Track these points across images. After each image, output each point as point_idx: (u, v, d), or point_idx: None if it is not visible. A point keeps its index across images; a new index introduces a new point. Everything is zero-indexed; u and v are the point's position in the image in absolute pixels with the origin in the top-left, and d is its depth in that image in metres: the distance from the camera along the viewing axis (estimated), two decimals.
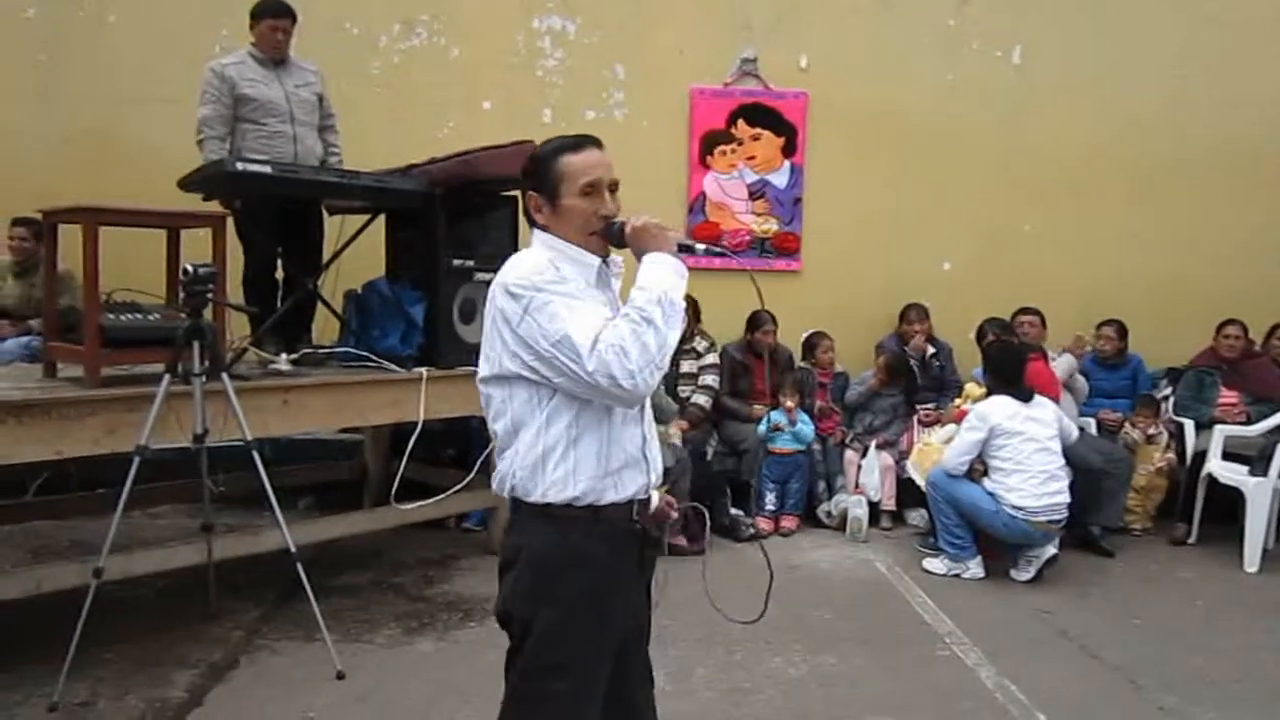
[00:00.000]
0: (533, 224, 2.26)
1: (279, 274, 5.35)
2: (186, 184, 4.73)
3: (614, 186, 2.23)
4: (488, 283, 5.21)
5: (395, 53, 6.87)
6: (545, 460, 2.12)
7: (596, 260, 2.23)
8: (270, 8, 5.17)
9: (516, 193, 5.34)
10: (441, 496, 5.10)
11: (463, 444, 5.97)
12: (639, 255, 2.19)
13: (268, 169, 4.57)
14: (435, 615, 4.55)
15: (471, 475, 5.21)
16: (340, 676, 3.84)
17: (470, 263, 5.13)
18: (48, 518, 5.27)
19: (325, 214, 5.45)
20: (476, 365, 5.31)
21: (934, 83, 7.06)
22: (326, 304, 5.35)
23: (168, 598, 4.57)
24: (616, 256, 2.29)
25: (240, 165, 4.47)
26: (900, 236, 7.07)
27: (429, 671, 3.97)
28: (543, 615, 2.15)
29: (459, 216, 5.10)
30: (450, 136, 6.33)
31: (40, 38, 6.74)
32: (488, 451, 5.30)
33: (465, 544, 5.68)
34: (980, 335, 6.50)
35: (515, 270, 2.12)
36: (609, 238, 2.23)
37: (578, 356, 2.00)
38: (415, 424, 4.91)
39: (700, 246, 2.27)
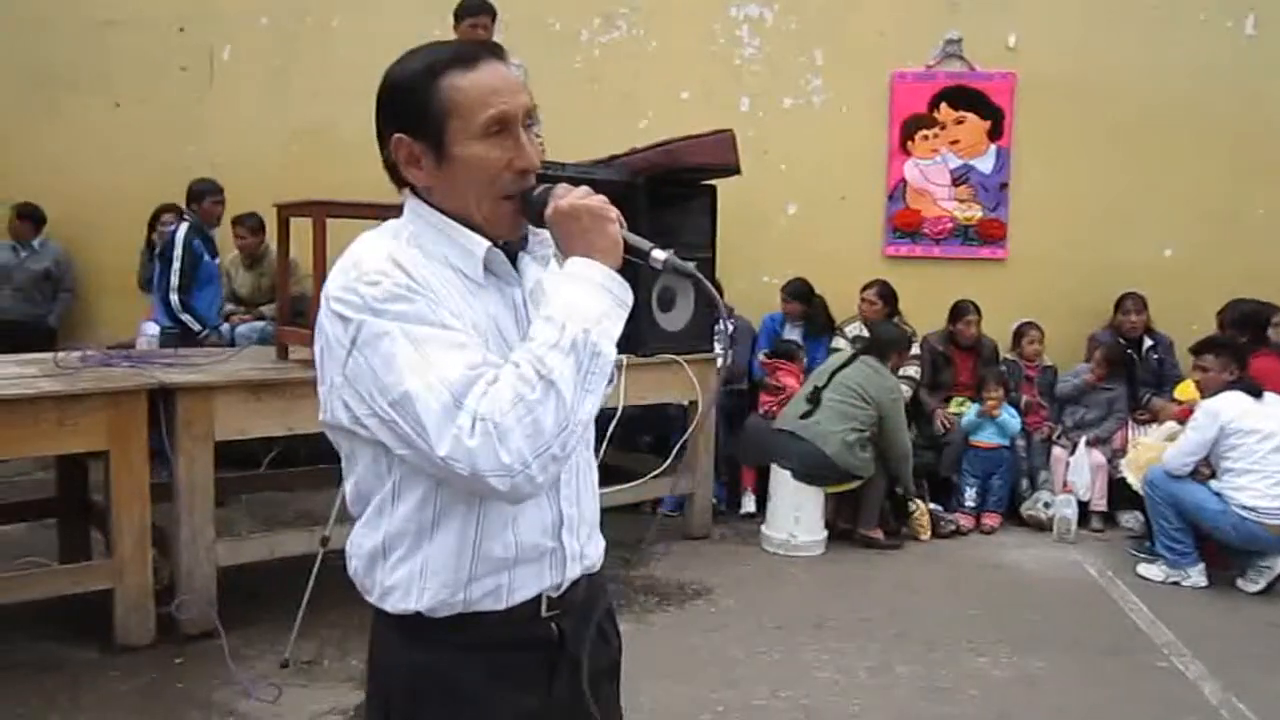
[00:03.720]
0: (400, 183, 1.48)
1: None
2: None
3: (529, 117, 1.42)
4: (688, 271, 5.30)
5: (595, 46, 7.01)
6: (386, 552, 1.42)
7: (483, 245, 1.43)
8: (470, 8, 5.37)
9: (716, 182, 5.41)
10: (640, 481, 5.19)
11: (660, 430, 6.05)
12: (564, 252, 1.43)
13: None
14: (633, 598, 4.64)
15: (668, 461, 5.29)
16: None
17: (669, 251, 5.17)
18: (278, 489, 5.69)
19: None
20: (675, 353, 5.40)
21: (1154, 58, 6.62)
22: None
23: None
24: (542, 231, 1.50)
25: None
26: (1115, 222, 6.67)
27: (628, 651, 4.01)
28: None
29: (659, 205, 5.16)
30: (649, 128, 6.40)
31: (273, 43, 7.27)
32: (685, 437, 5.39)
33: (661, 528, 5.76)
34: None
35: (343, 272, 1.36)
36: (526, 209, 1.44)
37: (422, 430, 1.27)
38: (613, 410, 5.01)
39: (660, 254, 1.43)
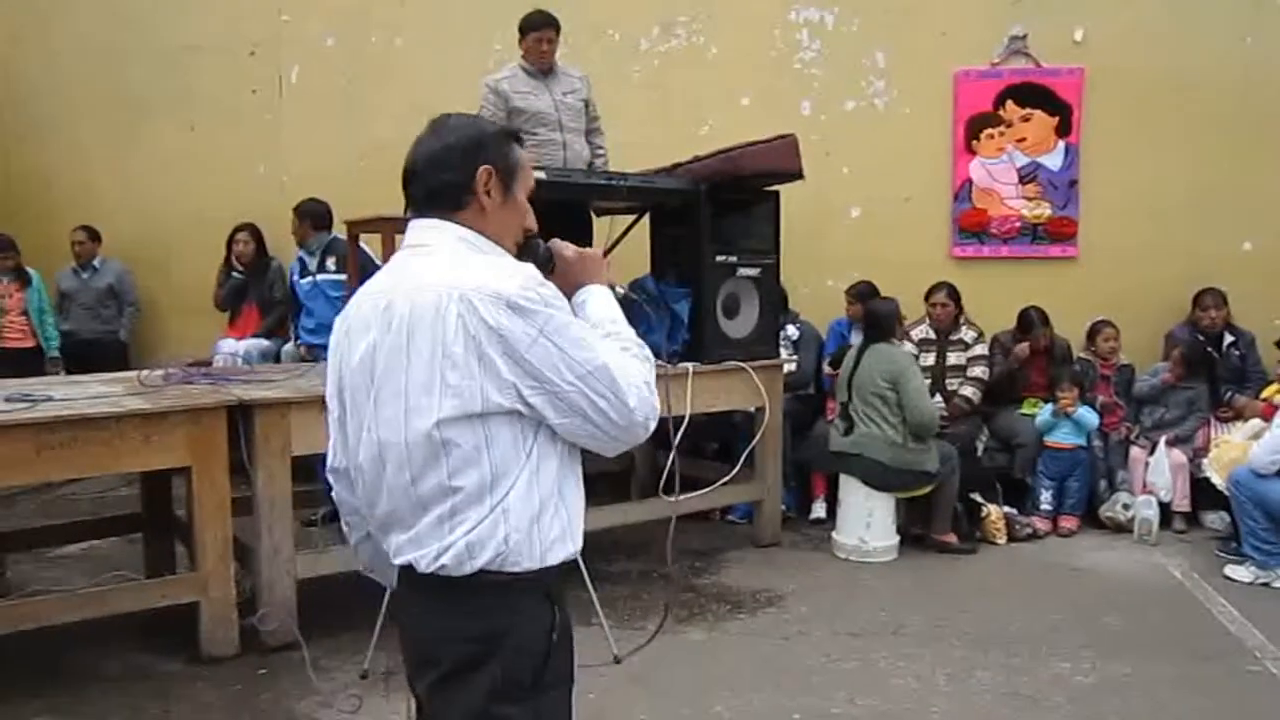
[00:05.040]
0: (446, 212, 1.80)
1: None
2: None
3: None
4: (752, 278, 5.32)
5: (655, 55, 7.03)
6: (541, 515, 1.71)
7: None
8: (535, 21, 5.42)
9: (779, 188, 5.40)
10: (710, 489, 5.18)
11: (725, 438, 6.04)
12: (572, 285, 1.91)
13: (542, 174, 4.79)
14: (704, 605, 4.63)
15: (736, 469, 5.27)
16: (617, 660, 3.98)
17: (733, 258, 5.19)
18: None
19: (593, 215, 5.65)
20: (740, 359, 5.40)
21: (1229, 47, 6.44)
22: None
23: None
24: None
25: None
26: (1192, 217, 6.49)
27: (700, 659, 4.05)
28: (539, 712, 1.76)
29: (722, 212, 5.17)
30: (710, 134, 6.40)
31: (339, 63, 7.42)
32: (751, 445, 5.36)
33: (730, 536, 5.74)
34: None
35: (509, 277, 1.68)
36: (530, 253, 1.90)
37: (616, 393, 1.68)
38: (679, 417, 5.01)
39: (619, 289, 2.02)
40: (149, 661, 3.97)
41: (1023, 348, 6.13)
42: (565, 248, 1.97)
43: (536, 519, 1.70)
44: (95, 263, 7.32)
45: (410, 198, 1.83)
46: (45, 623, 3.72)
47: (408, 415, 1.67)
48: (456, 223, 1.78)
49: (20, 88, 8.03)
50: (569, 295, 1.86)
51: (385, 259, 4.37)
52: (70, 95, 7.90)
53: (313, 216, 6.29)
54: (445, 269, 1.70)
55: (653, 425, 1.74)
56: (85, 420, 3.62)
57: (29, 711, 3.56)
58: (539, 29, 5.39)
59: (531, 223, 1.89)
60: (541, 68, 5.44)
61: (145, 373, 4.42)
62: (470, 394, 1.64)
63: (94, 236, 7.31)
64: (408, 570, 1.76)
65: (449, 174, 1.78)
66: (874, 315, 5.60)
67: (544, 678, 1.74)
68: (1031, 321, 6.21)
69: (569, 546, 1.76)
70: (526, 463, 1.69)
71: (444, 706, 1.76)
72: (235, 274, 6.97)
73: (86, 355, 6.83)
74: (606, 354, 1.70)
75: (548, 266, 1.92)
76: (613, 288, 1.98)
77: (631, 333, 1.85)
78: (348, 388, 1.80)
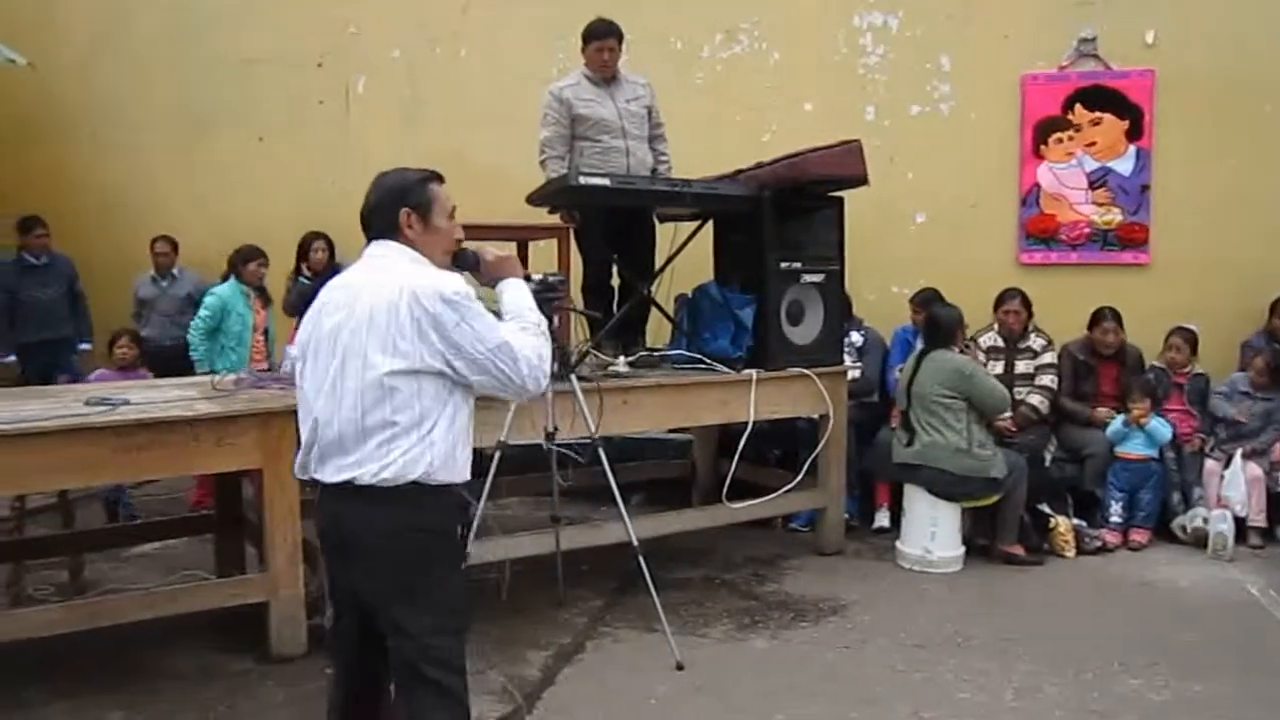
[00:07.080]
0: (393, 238, 2.53)
1: (615, 280, 5.61)
2: (534, 199, 5.08)
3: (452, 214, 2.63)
4: (816, 285, 5.28)
5: (718, 61, 7.03)
6: (456, 449, 2.43)
7: None
8: (598, 32, 5.42)
9: (843, 194, 5.36)
10: (773, 496, 5.16)
11: (789, 444, 5.99)
12: (493, 282, 2.66)
13: (606, 181, 4.81)
14: (768, 614, 4.60)
15: (800, 476, 5.24)
16: (680, 667, 3.97)
17: (798, 265, 5.16)
18: None
19: (656, 222, 5.65)
20: (804, 366, 5.36)
21: None
22: (660, 308, 5.54)
23: (518, 583, 4.85)
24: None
25: (582, 179, 4.73)
26: (1267, 221, 6.30)
27: (764, 668, 4.02)
28: (451, 578, 2.50)
29: (786, 219, 5.14)
30: (773, 141, 6.39)
31: (404, 74, 7.54)
32: (815, 453, 5.33)
33: (793, 544, 5.69)
34: None
35: (445, 282, 2.40)
36: (461, 262, 2.65)
37: (514, 362, 2.41)
38: (742, 424, 4.99)
39: (535, 276, 3.01)
40: (219, 660, 4.05)
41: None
42: (488, 252, 2.69)
43: (452, 452, 2.43)
44: (174, 271, 7.48)
45: (366, 229, 2.57)
46: (120, 620, 3.81)
47: (365, 369, 2.37)
48: (400, 244, 2.51)
49: (93, 99, 8.26)
50: (492, 286, 2.65)
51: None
52: (140, 108, 8.11)
53: None
54: (399, 274, 2.42)
55: (543, 382, 2.50)
56: (160, 424, 3.71)
57: (103, 706, 3.66)
58: (601, 38, 5.41)
59: (460, 235, 2.62)
60: (604, 76, 5.45)
61: (218, 378, 4.53)
62: (412, 356, 2.36)
63: (174, 247, 7.47)
64: (342, 485, 2.40)
65: (385, 216, 2.53)
66: (935, 321, 5.52)
67: (455, 557, 2.52)
68: (1100, 316, 6.10)
69: (467, 473, 2.50)
70: (446, 410, 2.41)
71: (385, 576, 2.42)
72: (304, 279, 7.06)
73: (165, 360, 6.96)
74: (508, 334, 2.44)
75: (476, 266, 2.67)
76: (529, 278, 2.79)
77: (537, 315, 2.59)
78: (314, 349, 2.48)
